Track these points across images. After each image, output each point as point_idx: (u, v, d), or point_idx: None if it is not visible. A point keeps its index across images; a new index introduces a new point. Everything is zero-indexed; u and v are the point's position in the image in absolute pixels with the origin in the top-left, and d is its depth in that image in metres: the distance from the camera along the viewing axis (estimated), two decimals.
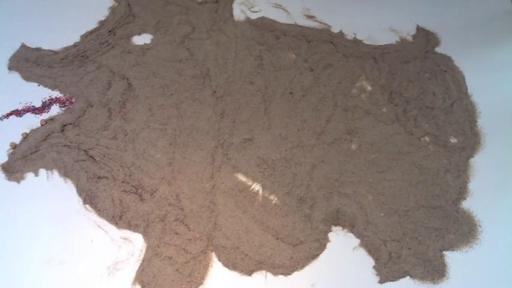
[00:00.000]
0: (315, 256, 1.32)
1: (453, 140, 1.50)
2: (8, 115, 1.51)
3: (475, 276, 1.29)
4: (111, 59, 1.65)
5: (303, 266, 1.31)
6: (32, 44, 1.67)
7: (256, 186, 1.41)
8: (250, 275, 1.29)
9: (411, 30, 1.74)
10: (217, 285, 1.27)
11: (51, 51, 1.66)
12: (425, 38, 1.72)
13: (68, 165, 1.42)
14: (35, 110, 1.52)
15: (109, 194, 1.38)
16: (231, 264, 1.30)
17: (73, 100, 1.53)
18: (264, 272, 1.29)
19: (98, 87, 1.57)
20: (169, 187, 1.40)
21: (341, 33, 1.73)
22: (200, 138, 1.48)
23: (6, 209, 1.36)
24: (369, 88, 1.60)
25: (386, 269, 1.30)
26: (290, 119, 1.53)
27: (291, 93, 1.58)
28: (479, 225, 1.36)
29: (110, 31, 1.71)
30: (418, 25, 1.75)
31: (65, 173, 1.41)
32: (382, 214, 1.38)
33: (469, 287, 1.28)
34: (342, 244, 1.34)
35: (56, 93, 1.56)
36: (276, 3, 1.79)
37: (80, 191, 1.39)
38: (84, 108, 1.53)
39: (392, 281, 1.29)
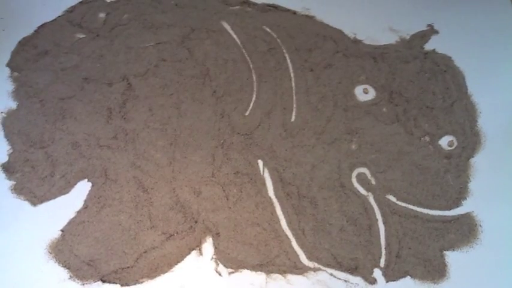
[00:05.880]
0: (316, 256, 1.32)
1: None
2: None
3: (476, 276, 1.30)
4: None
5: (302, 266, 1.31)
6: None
7: (256, 187, 1.41)
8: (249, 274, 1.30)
9: (411, 30, 1.74)
10: (217, 285, 1.27)
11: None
12: (425, 38, 1.72)
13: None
14: None
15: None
16: (230, 264, 1.30)
17: None
18: (264, 272, 1.29)
19: None
20: (169, 187, 1.40)
21: (341, 33, 1.73)
22: (200, 138, 1.48)
23: None
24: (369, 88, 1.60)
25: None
26: (290, 119, 1.53)
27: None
28: (480, 225, 1.36)
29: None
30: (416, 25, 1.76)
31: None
32: None
33: (470, 286, 1.28)
34: None
35: None
36: (274, 4, 1.79)
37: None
38: None
39: (393, 281, 1.29)
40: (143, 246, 1.31)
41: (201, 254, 1.31)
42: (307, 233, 1.35)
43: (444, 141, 1.50)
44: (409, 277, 1.29)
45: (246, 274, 1.29)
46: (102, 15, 1.75)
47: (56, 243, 1.31)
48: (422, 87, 1.60)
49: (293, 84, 1.60)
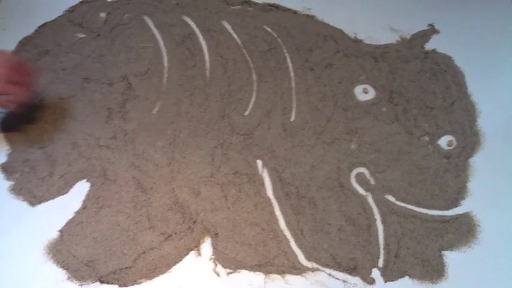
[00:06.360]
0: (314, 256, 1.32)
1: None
2: None
3: (474, 276, 1.29)
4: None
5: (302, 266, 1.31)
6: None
7: (255, 187, 1.41)
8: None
9: (411, 29, 1.73)
10: (215, 286, 1.28)
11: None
12: (425, 38, 1.72)
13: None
14: None
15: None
16: (229, 264, 1.30)
17: None
18: (262, 272, 1.29)
19: None
20: (168, 187, 1.40)
21: (342, 32, 1.73)
22: (200, 138, 1.48)
23: None
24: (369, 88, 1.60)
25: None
26: (290, 119, 1.53)
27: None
28: (478, 225, 1.36)
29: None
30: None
31: None
32: None
33: (468, 286, 1.28)
34: None
35: None
36: (275, 3, 1.79)
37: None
38: None
39: (391, 281, 1.29)
40: (142, 247, 1.31)
41: (199, 254, 1.32)
42: (306, 233, 1.35)
43: (443, 141, 1.49)
44: (407, 277, 1.29)
45: (244, 274, 1.29)
46: (103, 14, 1.75)
47: (54, 244, 1.31)
48: (423, 87, 1.60)
49: (293, 84, 1.60)
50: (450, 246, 1.33)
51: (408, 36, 1.72)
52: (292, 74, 1.62)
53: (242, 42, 1.69)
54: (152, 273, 1.28)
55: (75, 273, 1.27)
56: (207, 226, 1.35)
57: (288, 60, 1.66)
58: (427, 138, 1.50)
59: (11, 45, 1.65)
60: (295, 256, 1.32)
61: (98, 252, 1.31)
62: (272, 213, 1.38)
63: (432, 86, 1.60)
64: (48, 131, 1.49)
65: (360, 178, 1.44)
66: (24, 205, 1.37)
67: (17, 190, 1.39)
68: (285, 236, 1.34)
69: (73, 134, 1.48)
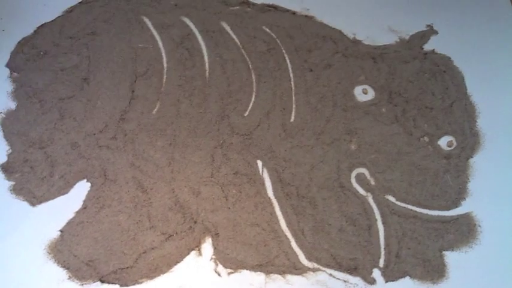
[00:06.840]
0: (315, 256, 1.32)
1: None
2: None
3: (475, 276, 1.29)
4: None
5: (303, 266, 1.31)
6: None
7: (256, 187, 1.41)
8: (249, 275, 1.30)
9: (410, 30, 1.73)
10: (216, 285, 1.27)
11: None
12: (424, 38, 1.72)
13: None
14: None
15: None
16: (230, 264, 1.30)
17: None
18: (263, 272, 1.29)
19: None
20: (168, 187, 1.40)
21: (340, 33, 1.73)
22: (199, 139, 1.48)
23: None
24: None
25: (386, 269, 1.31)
26: (289, 120, 1.53)
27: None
28: (479, 225, 1.36)
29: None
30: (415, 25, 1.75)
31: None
32: None
33: (469, 287, 1.28)
34: None
35: None
36: (274, 4, 1.79)
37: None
38: None
39: (392, 281, 1.29)
40: (142, 247, 1.31)
41: (200, 254, 1.32)
42: (306, 233, 1.35)
43: (443, 142, 1.50)
44: (408, 277, 1.29)
45: (245, 274, 1.29)
46: (102, 15, 1.74)
47: (55, 244, 1.31)
48: (422, 88, 1.60)
49: (292, 84, 1.60)
50: (451, 247, 1.33)
51: (407, 37, 1.72)
52: (291, 75, 1.62)
53: (241, 42, 1.69)
54: (153, 273, 1.28)
55: (76, 273, 1.27)
56: (207, 226, 1.35)
57: (287, 60, 1.65)
58: (426, 139, 1.50)
59: (9, 46, 1.65)
60: (296, 256, 1.32)
61: (99, 252, 1.31)
62: (273, 213, 1.38)
63: (431, 87, 1.60)
64: (49, 131, 1.48)
65: (360, 178, 1.44)
66: (24, 205, 1.37)
67: (17, 190, 1.39)
68: (285, 236, 1.34)
69: (73, 134, 1.48)
